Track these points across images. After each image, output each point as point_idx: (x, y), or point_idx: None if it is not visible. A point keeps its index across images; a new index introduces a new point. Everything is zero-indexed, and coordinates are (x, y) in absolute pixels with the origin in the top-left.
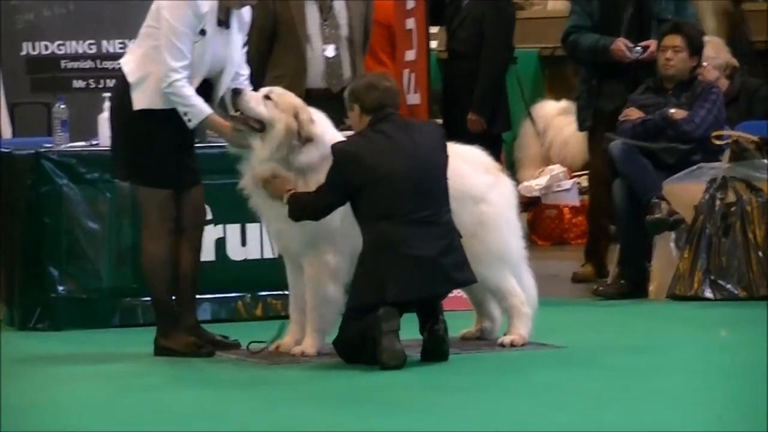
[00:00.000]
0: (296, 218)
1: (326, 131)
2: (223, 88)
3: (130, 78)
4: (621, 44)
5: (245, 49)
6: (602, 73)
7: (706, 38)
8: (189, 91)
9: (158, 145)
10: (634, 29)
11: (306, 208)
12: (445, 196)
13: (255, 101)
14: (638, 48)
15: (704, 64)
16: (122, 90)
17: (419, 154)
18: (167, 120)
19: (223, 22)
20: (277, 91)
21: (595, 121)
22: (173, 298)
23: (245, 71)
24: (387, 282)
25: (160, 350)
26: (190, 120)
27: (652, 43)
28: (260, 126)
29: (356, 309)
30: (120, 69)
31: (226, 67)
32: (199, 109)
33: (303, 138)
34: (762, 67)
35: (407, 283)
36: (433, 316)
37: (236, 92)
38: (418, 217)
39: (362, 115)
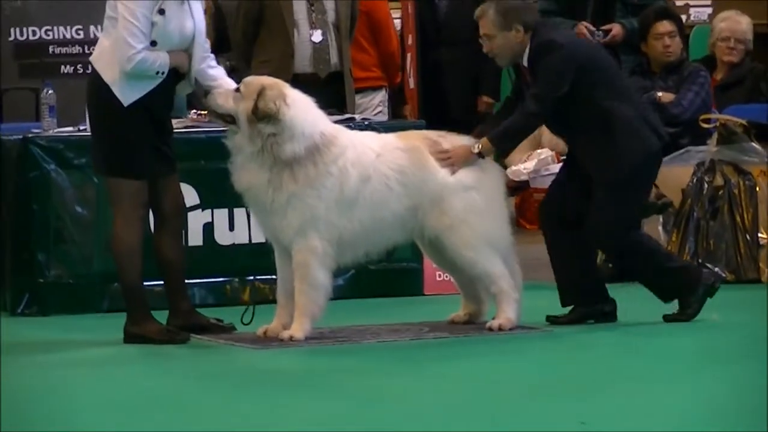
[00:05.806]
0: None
1: (301, 115)
2: (197, 57)
3: (106, 77)
4: (583, 28)
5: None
6: None
7: (730, 13)
8: (145, 55)
9: (139, 137)
10: (600, 13)
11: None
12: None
13: (223, 98)
14: (600, 32)
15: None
16: (97, 86)
17: None
18: (147, 110)
19: None
20: (247, 81)
21: None
22: (163, 285)
23: (207, 45)
24: None
25: (131, 337)
26: (163, 73)
27: (615, 27)
28: (231, 119)
29: None
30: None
31: (195, 37)
32: (162, 59)
33: (259, 112)
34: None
35: None
36: None
37: (206, 93)
38: None
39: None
